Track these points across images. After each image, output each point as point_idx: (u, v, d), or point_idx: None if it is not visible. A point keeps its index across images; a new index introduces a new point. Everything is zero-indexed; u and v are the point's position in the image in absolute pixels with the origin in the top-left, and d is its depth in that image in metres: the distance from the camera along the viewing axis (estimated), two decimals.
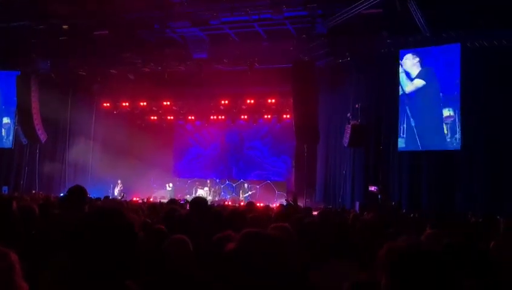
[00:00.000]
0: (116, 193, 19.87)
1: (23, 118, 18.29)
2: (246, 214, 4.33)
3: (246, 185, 20.59)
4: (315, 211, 10.45)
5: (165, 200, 16.09)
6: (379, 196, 14.21)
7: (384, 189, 14.64)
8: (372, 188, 14.61)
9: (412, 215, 10.40)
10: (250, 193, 20.08)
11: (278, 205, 12.23)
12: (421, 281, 1.59)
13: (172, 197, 19.31)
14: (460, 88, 14.07)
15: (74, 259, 1.86)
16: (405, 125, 15.04)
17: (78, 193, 4.20)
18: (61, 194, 16.29)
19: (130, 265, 1.89)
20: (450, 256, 2.10)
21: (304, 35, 15.60)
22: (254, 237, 1.87)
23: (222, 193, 20.80)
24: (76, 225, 1.92)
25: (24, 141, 18.67)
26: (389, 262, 1.66)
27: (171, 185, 21.43)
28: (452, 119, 14.25)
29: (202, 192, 20.42)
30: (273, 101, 19.56)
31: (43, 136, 18.75)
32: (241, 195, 19.81)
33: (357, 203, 14.81)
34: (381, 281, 1.66)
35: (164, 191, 21.12)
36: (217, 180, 21.90)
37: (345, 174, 16.35)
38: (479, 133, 13.94)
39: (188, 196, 19.42)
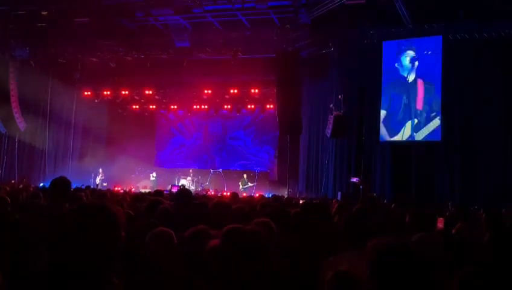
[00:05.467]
0: (97, 182, 19.68)
1: (1, 107, 17.89)
2: (230, 206, 4.32)
3: (245, 175, 20.02)
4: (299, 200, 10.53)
5: (146, 190, 16.01)
6: (361, 187, 14.34)
7: (366, 180, 14.78)
8: (354, 179, 14.74)
9: (392, 205, 10.51)
10: (250, 185, 19.52)
11: (259, 195, 12.26)
12: (400, 279, 1.61)
13: (156, 186, 19.22)
14: (442, 80, 14.27)
15: (57, 256, 1.84)
16: (386, 116, 15.25)
17: (61, 184, 4.13)
18: (41, 184, 16.07)
19: (114, 263, 1.87)
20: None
21: (288, 25, 15.53)
22: (236, 233, 1.87)
23: (207, 184, 20.58)
24: (59, 222, 1.89)
25: (2, 130, 18.28)
26: (371, 261, 1.68)
27: (154, 174, 21.30)
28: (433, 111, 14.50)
29: (185, 182, 20.32)
30: (257, 91, 19.49)
31: (22, 125, 18.38)
32: (240, 186, 19.30)
33: (339, 194, 14.94)
34: (368, 278, 1.68)
35: (147, 181, 20.99)
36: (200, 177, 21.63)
37: (328, 165, 16.45)
38: (460, 124, 14.17)
39: (171, 185, 19.30)
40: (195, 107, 22.05)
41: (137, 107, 22.49)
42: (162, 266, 2.96)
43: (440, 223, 6.11)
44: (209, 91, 20.29)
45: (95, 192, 8.99)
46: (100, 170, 20.26)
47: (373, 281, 1.65)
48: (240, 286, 1.78)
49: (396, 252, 1.68)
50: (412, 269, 1.64)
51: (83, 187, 12.23)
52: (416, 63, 14.83)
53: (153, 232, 3.17)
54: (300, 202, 10.62)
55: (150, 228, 3.37)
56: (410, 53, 14.91)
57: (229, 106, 21.47)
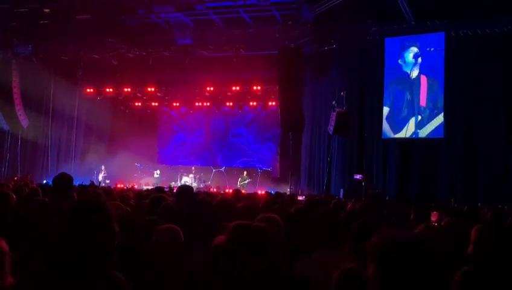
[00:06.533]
0: (100, 179, 19.71)
1: (4, 104, 17.93)
2: (235, 203, 4.31)
3: (245, 173, 20.05)
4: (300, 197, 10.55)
5: (149, 187, 16.03)
6: (363, 184, 14.34)
7: (368, 177, 14.77)
8: (357, 176, 14.72)
9: (394, 203, 10.52)
10: (249, 180, 19.61)
11: (264, 192, 12.27)
12: (409, 271, 1.59)
13: (159, 184, 19.23)
14: (444, 76, 14.24)
15: (55, 254, 1.86)
16: (389, 112, 15.23)
17: (64, 180, 4.17)
18: (44, 181, 16.11)
19: (111, 258, 1.89)
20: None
21: (290, 22, 15.51)
22: (244, 229, 1.87)
23: (209, 182, 20.60)
24: (57, 219, 1.91)
25: (5, 127, 18.33)
26: (378, 252, 1.65)
27: (158, 172, 21.34)
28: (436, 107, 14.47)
29: (187, 179, 20.35)
30: (259, 88, 19.45)
31: (25, 122, 18.44)
32: (239, 183, 19.28)
33: (341, 191, 14.95)
34: (369, 271, 1.66)
35: (151, 178, 21.02)
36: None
37: (330, 162, 16.43)
38: (462, 121, 14.13)
39: (173, 183, 19.34)
40: (197, 104, 22.03)
41: (139, 104, 22.49)
42: (167, 264, 2.95)
43: (434, 217, 6.15)
44: (211, 88, 20.28)
45: (99, 189, 9.01)
46: (102, 167, 20.30)
47: (377, 280, 1.62)
48: (245, 284, 1.79)
49: (407, 246, 1.64)
50: (423, 264, 1.62)
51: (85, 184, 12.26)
52: (420, 59, 14.78)
53: (160, 228, 3.14)
54: (299, 198, 10.66)
55: (151, 225, 3.36)
56: (414, 49, 14.86)
57: (231, 103, 21.45)
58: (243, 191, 14.54)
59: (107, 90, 20.78)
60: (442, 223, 4.34)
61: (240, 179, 19.66)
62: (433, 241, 2.88)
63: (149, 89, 20.92)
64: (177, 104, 22.55)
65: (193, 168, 21.32)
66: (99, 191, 6.48)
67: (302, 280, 2.44)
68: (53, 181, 4.22)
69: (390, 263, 1.60)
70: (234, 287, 1.81)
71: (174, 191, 6.52)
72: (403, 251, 1.62)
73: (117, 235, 1.93)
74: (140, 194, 6.85)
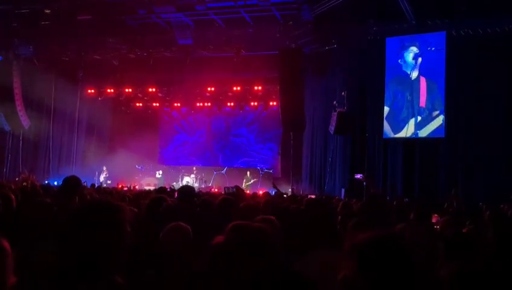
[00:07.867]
0: (101, 180, 19.72)
1: (5, 104, 17.96)
2: (236, 203, 4.31)
3: (248, 173, 20.07)
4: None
5: (150, 188, 16.06)
6: (364, 183, 14.33)
7: (369, 176, 14.76)
8: (358, 176, 14.72)
9: (395, 202, 10.50)
10: (253, 181, 19.61)
11: (263, 192, 12.24)
12: (388, 267, 1.60)
13: (162, 184, 19.26)
14: (445, 76, 14.22)
15: (62, 253, 1.85)
16: (389, 112, 15.23)
17: (73, 182, 4.23)
18: (46, 182, 16.13)
19: (118, 262, 1.87)
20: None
21: (291, 22, 15.52)
22: (242, 229, 1.87)
23: (210, 184, 20.59)
24: (67, 219, 1.90)
25: (7, 127, 18.36)
26: (357, 251, 1.66)
27: (160, 172, 21.34)
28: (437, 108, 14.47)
29: (189, 179, 20.36)
30: (260, 88, 19.44)
31: (26, 123, 18.46)
32: (244, 184, 19.16)
33: (343, 190, 14.94)
34: (351, 270, 1.65)
35: (153, 179, 21.03)
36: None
37: (331, 162, 16.44)
38: (463, 120, 14.12)
39: (175, 183, 19.35)
40: (198, 104, 22.01)
41: (140, 104, 22.50)
42: (176, 263, 2.94)
43: (434, 219, 6.16)
44: (212, 88, 20.27)
45: (100, 190, 9.03)
46: (104, 168, 20.31)
47: (358, 278, 1.62)
48: (244, 284, 1.78)
49: (385, 243, 1.66)
50: (405, 262, 1.63)
51: (87, 185, 12.27)
52: (420, 59, 14.78)
53: (170, 226, 3.12)
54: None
55: (152, 225, 3.35)
56: (414, 49, 14.86)
57: (232, 103, 21.43)
58: (248, 192, 14.61)
59: (108, 90, 20.79)
60: (438, 224, 4.35)
61: (244, 179, 19.62)
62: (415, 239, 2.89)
63: (150, 90, 20.91)
64: (178, 104, 22.53)
65: (194, 168, 21.33)
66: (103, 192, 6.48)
67: (306, 279, 2.44)
68: (63, 182, 4.30)
69: (369, 260, 1.62)
70: (233, 288, 1.81)
71: (175, 193, 6.48)
72: (381, 248, 1.64)
73: (125, 236, 1.90)
74: (140, 195, 6.85)
